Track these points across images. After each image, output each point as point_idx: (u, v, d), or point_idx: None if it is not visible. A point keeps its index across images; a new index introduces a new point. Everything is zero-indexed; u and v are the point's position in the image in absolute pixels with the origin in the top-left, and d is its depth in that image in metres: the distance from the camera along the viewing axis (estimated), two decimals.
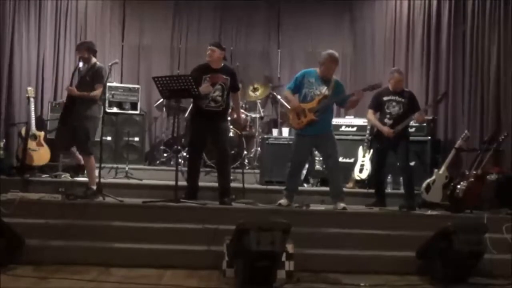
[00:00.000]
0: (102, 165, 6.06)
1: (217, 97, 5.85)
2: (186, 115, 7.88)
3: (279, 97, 8.31)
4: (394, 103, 6.12)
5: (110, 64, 6.36)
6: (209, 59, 5.95)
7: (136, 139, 7.99)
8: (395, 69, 6.46)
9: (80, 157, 6.05)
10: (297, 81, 5.86)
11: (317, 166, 7.08)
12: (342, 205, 5.70)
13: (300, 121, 5.76)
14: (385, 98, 6.16)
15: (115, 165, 7.30)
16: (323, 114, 5.73)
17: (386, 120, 6.10)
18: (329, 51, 5.83)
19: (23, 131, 7.05)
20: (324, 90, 5.75)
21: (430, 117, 7.29)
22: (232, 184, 6.80)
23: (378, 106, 6.23)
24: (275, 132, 8.41)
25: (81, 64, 5.99)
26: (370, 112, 6.29)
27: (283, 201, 5.83)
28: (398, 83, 6.14)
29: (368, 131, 7.09)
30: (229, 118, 7.90)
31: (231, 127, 7.79)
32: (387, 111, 6.11)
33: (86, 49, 5.97)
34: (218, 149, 5.98)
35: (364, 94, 5.82)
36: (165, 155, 8.06)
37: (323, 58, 5.78)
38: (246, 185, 6.32)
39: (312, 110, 5.70)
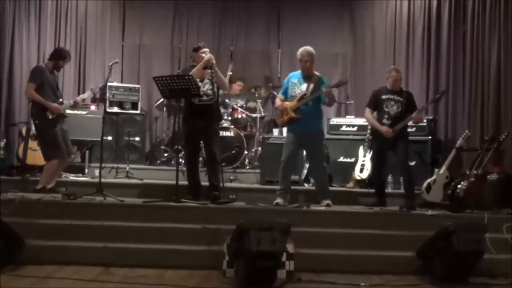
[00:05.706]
0: (103, 165, 6.07)
1: (207, 90, 5.97)
2: None
3: None
4: (392, 102, 6.10)
5: (110, 64, 6.39)
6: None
7: (137, 139, 7.99)
8: (392, 68, 6.45)
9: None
10: (284, 86, 6.15)
11: None
12: (326, 202, 5.83)
13: (282, 119, 6.02)
14: (383, 97, 6.14)
15: (115, 165, 7.31)
16: (307, 112, 5.84)
17: (384, 120, 6.08)
18: (302, 48, 5.97)
19: (23, 131, 7.06)
20: (304, 88, 5.90)
21: (431, 117, 7.28)
22: (232, 184, 6.82)
23: (376, 104, 6.21)
24: (275, 131, 8.41)
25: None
26: (368, 111, 6.27)
27: (279, 200, 5.85)
28: (396, 81, 6.13)
29: (369, 131, 7.08)
30: (229, 118, 8.00)
31: (231, 126, 7.80)
32: (386, 110, 6.09)
33: None
34: (207, 153, 6.06)
35: (332, 90, 5.94)
36: (165, 154, 8.06)
37: (297, 56, 5.97)
38: (246, 185, 6.82)
39: (292, 108, 5.89)
